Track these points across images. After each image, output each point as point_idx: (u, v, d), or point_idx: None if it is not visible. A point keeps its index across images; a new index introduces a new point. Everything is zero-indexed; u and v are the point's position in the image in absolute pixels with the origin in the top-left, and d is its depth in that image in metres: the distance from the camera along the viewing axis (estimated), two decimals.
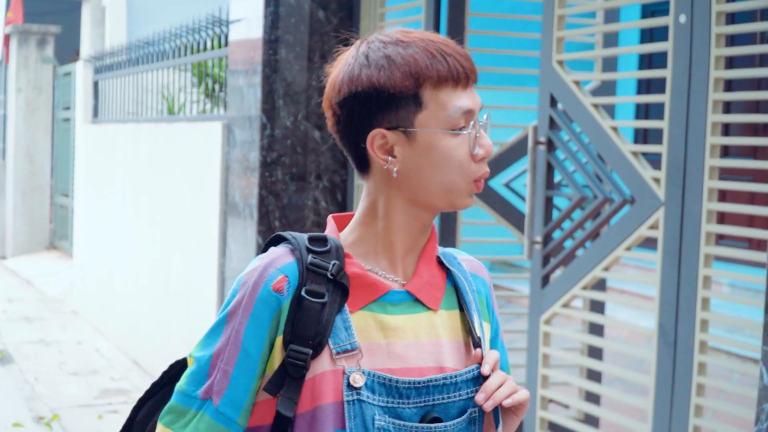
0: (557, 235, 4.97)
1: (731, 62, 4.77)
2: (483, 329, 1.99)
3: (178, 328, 7.71)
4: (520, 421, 1.96)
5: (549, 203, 4.90)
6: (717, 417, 5.57)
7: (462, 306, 1.97)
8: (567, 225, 5.10)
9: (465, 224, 5.85)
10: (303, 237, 1.93)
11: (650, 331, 4.23)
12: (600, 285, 5.77)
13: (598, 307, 5.82)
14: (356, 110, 1.86)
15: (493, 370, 1.91)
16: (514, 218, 5.98)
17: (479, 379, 1.91)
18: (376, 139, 1.87)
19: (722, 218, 9.26)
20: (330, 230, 1.97)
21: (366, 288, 1.89)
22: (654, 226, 4.19)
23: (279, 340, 1.85)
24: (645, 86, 11.52)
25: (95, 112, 11.09)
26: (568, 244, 4.90)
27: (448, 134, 1.85)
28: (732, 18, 3.94)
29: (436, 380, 1.86)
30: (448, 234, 5.66)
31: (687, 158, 3.95)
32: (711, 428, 4.03)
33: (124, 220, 9.49)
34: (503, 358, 2.09)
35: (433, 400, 1.86)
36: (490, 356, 1.92)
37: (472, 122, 1.86)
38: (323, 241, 1.92)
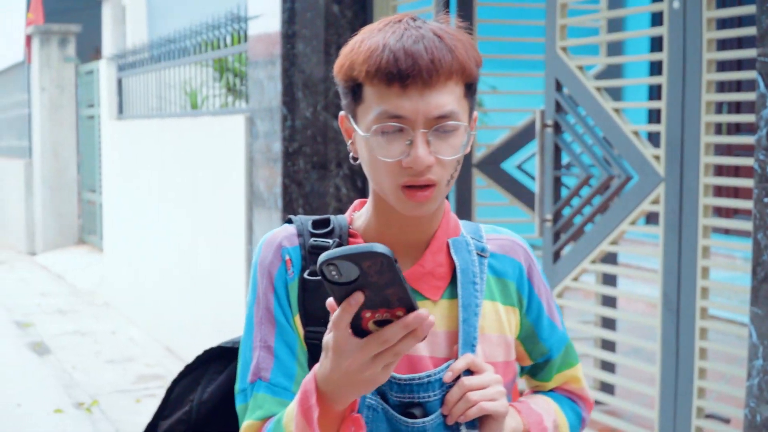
0: (567, 212, 5.20)
1: (723, 44, 4.99)
2: (503, 316, 1.95)
3: (207, 315, 7.95)
4: (501, 427, 1.87)
5: (558, 183, 5.13)
6: (718, 378, 5.79)
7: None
8: (576, 203, 5.32)
9: (480, 205, 6.07)
10: (308, 221, 1.95)
11: (655, 299, 4.46)
12: (611, 259, 6.00)
13: (610, 280, 6.07)
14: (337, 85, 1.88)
15: (475, 372, 1.86)
16: (527, 198, 6.19)
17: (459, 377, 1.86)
18: (343, 120, 1.90)
19: (736, 193, 9.43)
20: (348, 211, 1.99)
21: None
22: (656, 201, 4.42)
23: (297, 319, 1.88)
24: (657, 68, 11.66)
25: (120, 109, 11.30)
26: (577, 220, 5.13)
27: (370, 135, 1.79)
28: (722, 3, 4.16)
29: (419, 378, 1.85)
30: (463, 215, 5.84)
31: (684, 136, 4.18)
32: (713, 389, 4.26)
33: (151, 213, 9.73)
34: (554, 336, 2.04)
35: (418, 396, 1.85)
36: (458, 363, 1.85)
37: (387, 129, 1.77)
38: (326, 222, 1.94)
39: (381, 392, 1.85)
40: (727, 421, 4.77)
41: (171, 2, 12.51)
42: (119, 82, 11.31)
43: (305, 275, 1.87)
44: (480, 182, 6.21)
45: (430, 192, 1.79)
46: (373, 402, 1.84)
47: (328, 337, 1.63)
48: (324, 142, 6.46)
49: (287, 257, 1.90)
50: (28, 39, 15.77)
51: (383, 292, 1.54)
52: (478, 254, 1.96)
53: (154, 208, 9.63)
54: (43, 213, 15.52)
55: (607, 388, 5.87)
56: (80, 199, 15.80)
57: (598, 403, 5.29)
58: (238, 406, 1.90)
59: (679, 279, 4.24)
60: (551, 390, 2.14)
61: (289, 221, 1.98)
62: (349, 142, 1.89)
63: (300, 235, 1.92)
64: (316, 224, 1.94)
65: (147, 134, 9.91)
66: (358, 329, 1.59)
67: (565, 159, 5.39)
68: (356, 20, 6.45)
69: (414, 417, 1.83)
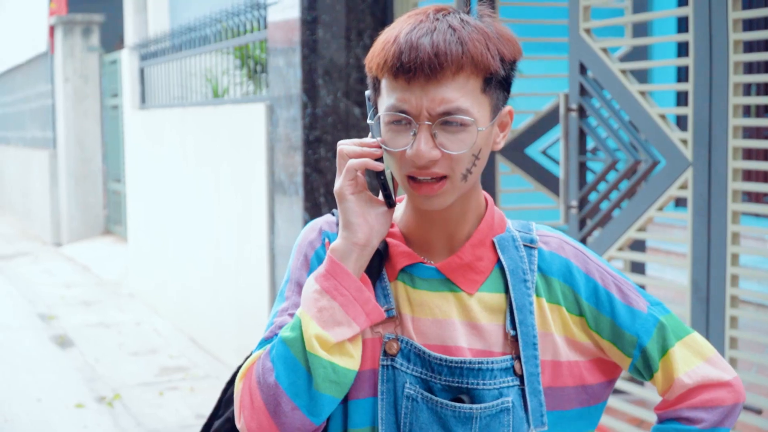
0: (593, 198, 5.10)
1: (750, 24, 4.87)
2: (548, 313, 1.89)
3: (230, 304, 7.89)
4: None
5: (583, 168, 5.02)
6: (749, 367, 5.68)
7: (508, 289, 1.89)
8: (602, 188, 5.22)
9: (504, 192, 5.98)
10: None
11: (683, 287, 4.35)
12: (639, 245, 5.89)
13: (638, 267, 5.95)
14: None
15: None
16: (552, 184, 6.10)
17: (511, 369, 1.84)
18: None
19: (766, 177, 9.28)
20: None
21: (398, 256, 1.90)
22: (683, 186, 4.31)
23: None
24: (685, 49, 11.49)
25: (142, 99, 11.26)
26: (604, 206, 5.03)
27: (382, 126, 1.83)
28: None
29: (471, 363, 1.83)
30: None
31: (712, 119, 4.07)
32: (747, 381, 4.15)
33: (174, 202, 9.69)
34: (638, 321, 1.91)
35: (467, 382, 1.83)
36: None
37: (392, 119, 1.80)
38: None
39: (424, 380, 1.84)
40: (758, 411, 4.65)
41: None
42: (141, 72, 11.27)
43: None
44: (504, 168, 6.11)
45: (440, 186, 1.79)
46: (411, 391, 1.83)
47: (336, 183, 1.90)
48: (345, 129, 6.38)
49: (326, 240, 1.95)
50: (51, 29, 15.79)
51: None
52: (525, 246, 1.93)
53: (176, 197, 9.59)
54: (68, 203, 15.52)
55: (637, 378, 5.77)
56: (105, 189, 15.81)
57: (626, 393, 5.19)
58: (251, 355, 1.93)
59: (709, 266, 4.13)
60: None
61: (332, 213, 2.01)
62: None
63: (338, 223, 1.92)
64: None
65: (169, 124, 9.87)
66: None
67: (591, 144, 5.28)
68: (376, 6, 6.36)
69: (462, 402, 1.82)
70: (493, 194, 5.84)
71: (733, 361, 4.06)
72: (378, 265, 1.90)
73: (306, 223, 6.35)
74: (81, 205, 15.58)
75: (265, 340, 1.89)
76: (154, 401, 7.05)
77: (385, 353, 1.86)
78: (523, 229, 1.96)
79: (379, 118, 1.83)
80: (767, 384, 4.01)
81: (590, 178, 5.25)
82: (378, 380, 1.86)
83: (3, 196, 22.12)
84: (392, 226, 1.94)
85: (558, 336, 1.89)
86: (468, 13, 1.82)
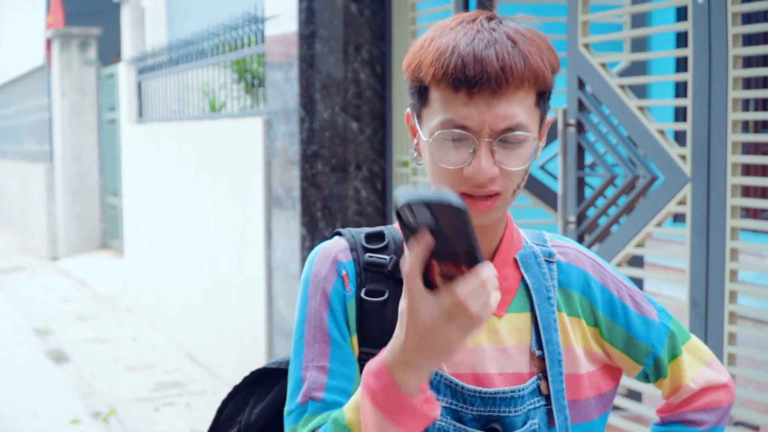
0: (591, 214, 5.08)
1: (749, 40, 4.85)
2: (568, 327, 1.87)
3: (228, 319, 7.87)
4: None
5: (581, 184, 5.01)
6: (746, 384, 5.65)
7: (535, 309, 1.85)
8: (600, 203, 5.20)
9: None
10: (360, 234, 1.86)
11: (682, 302, 4.33)
12: (637, 261, 5.86)
13: (636, 282, 5.92)
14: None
15: None
16: (550, 199, 6.07)
17: (538, 391, 1.80)
18: (408, 118, 1.84)
19: (764, 193, 9.26)
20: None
21: None
22: (682, 202, 4.30)
23: (354, 339, 1.78)
24: (683, 64, 11.51)
25: (140, 112, 11.26)
26: (602, 221, 5.01)
27: (433, 140, 1.72)
28: None
29: (504, 393, 1.77)
30: None
31: (711, 134, 4.06)
32: (746, 397, 4.13)
33: (171, 216, 9.67)
34: (652, 331, 1.92)
35: (499, 411, 1.77)
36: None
37: (450, 136, 1.70)
38: (380, 236, 1.85)
39: (454, 410, 1.78)
40: (756, 428, 4.62)
41: (190, 3, 12.46)
42: (139, 86, 11.26)
43: (362, 295, 1.79)
44: None
45: (493, 202, 1.73)
46: (443, 424, 1.77)
47: (403, 301, 1.55)
48: (343, 144, 6.37)
49: (344, 272, 1.80)
50: (48, 43, 15.79)
51: (453, 243, 1.50)
52: (545, 260, 1.90)
53: (173, 211, 9.58)
54: (65, 218, 15.49)
55: (634, 395, 5.74)
56: (102, 203, 15.78)
57: (623, 410, 5.17)
58: (288, 428, 1.79)
59: (707, 282, 4.11)
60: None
61: (338, 234, 1.88)
62: (414, 142, 1.82)
63: (353, 249, 1.83)
64: (369, 238, 1.86)
65: (167, 137, 9.85)
66: (427, 281, 1.54)
67: (589, 159, 5.26)
68: (374, 20, 6.36)
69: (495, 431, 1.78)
70: None
71: (732, 378, 4.03)
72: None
73: (303, 239, 6.33)
74: (78, 219, 15.56)
75: (300, 406, 1.76)
76: (150, 417, 7.01)
77: None
78: (539, 241, 1.93)
79: (435, 134, 1.71)
80: (765, 401, 3.98)
81: (588, 193, 5.24)
82: None
83: (0, 209, 22.09)
84: None
85: (578, 348, 1.88)
86: (526, 20, 1.77)
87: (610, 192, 5.10)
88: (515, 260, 1.87)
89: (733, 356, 4.05)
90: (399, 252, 1.82)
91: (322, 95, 6.33)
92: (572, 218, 4.97)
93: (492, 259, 1.84)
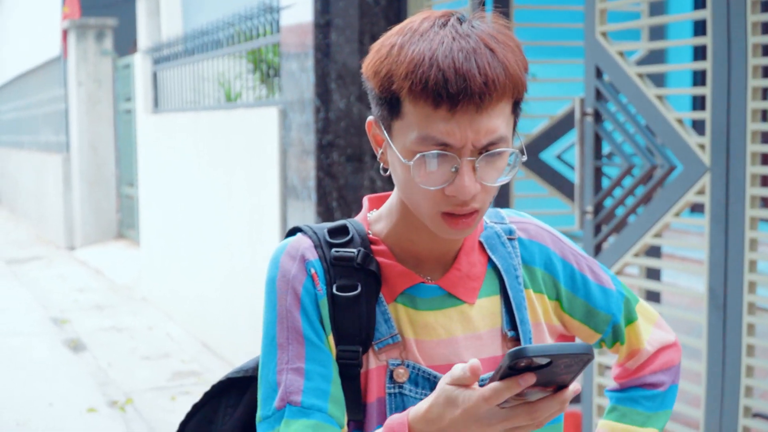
0: (608, 204, 5.04)
1: None
2: (535, 303, 1.86)
3: (243, 309, 7.86)
4: None
5: (598, 173, 4.97)
6: (765, 375, 5.62)
7: (506, 290, 1.83)
8: (618, 193, 5.17)
9: (518, 197, 5.93)
10: (322, 230, 1.81)
11: (700, 293, 4.30)
12: (655, 252, 5.83)
13: (653, 273, 5.89)
14: (367, 87, 1.72)
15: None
16: (567, 189, 6.04)
17: None
18: (371, 126, 1.75)
19: None
20: (361, 214, 1.87)
21: (396, 278, 1.78)
22: (701, 192, 4.25)
23: (330, 339, 1.74)
24: (701, 53, 11.46)
25: (155, 103, 11.25)
26: (619, 211, 4.98)
27: (411, 163, 1.63)
28: None
29: (482, 380, 1.67)
30: (502, 207, 5.69)
31: (730, 123, 4.02)
32: (763, 388, 4.10)
33: (187, 206, 9.67)
34: (610, 300, 1.94)
35: None
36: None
37: (430, 155, 1.61)
38: (344, 230, 1.81)
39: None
40: None
41: None
42: (154, 76, 11.25)
43: (334, 290, 1.74)
44: (518, 173, 6.05)
45: (473, 219, 1.68)
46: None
47: (458, 393, 1.53)
48: (358, 134, 6.35)
49: (313, 271, 1.76)
50: (65, 33, 15.79)
51: (555, 377, 1.47)
52: (508, 239, 1.88)
53: (189, 201, 9.57)
54: (82, 208, 15.52)
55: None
56: (119, 193, 15.81)
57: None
58: None
59: (726, 273, 4.08)
60: (618, 393, 2.07)
61: (297, 231, 1.84)
62: (380, 151, 1.74)
63: (317, 246, 1.78)
64: (332, 233, 1.81)
65: (182, 128, 9.85)
66: None
67: (606, 148, 5.23)
68: (390, 9, 6.32)
69: None
70: (507, 199, 5.79)
71: (750, 369, 4.00)
72: (375, 290, 1.76)
73: None
74: (94, 209, 15.58)
75: (278, 411, 1.71)
76: (167, 406, 7.02)
77: (392, 380, 1.75)
78: (497, 219, 1.90)
79: (411, 150, 1.63)
80: None
81: (606, 183, 5.20)
82: (386, 408, 1.74)
83: (17, 200, 22.14)
84: (378, 243, 1.80)
85: (544, 323, 1.88)
86: (484, 17, 1.68)
87: (628, 182, 5.07)
88: (480, 243, 1.85)
89: (751, 347, 4.02)
90: (365, 244, 1.79)
91: (337, 85, 6.31)
92: (589, 208, 4.93)
93: (460, 246, 1.81)
